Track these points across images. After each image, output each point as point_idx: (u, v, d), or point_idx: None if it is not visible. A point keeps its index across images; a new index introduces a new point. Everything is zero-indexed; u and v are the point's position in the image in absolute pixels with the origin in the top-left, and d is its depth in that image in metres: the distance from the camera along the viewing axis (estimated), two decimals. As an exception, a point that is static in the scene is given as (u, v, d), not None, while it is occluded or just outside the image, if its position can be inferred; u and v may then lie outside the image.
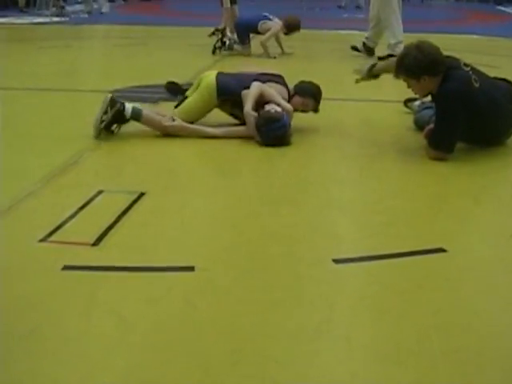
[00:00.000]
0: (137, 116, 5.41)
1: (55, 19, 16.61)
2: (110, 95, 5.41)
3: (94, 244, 3.44)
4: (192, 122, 5.56)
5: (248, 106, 5.36)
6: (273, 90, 5.56)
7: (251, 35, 10.84)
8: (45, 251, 3.39)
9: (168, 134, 5.45)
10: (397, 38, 10.05)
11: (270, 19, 10.65)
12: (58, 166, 4.69)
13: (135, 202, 4.05)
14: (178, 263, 3.28)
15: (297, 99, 5.71)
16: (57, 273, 3.13)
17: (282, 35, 10.67)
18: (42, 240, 3.47)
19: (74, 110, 6.66)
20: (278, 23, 10.54)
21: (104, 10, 18.03)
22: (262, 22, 10.62)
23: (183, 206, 4.07)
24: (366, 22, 11.08)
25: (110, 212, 3.85)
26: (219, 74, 5.64)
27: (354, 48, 10.70)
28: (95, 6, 18.10)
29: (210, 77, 5.62)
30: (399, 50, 9.94)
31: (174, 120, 5.44)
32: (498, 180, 4.66)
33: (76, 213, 3.85)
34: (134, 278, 3.15)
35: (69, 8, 18.14)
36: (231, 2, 11.24)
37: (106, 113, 5.31)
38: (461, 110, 4.84)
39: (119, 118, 5.37)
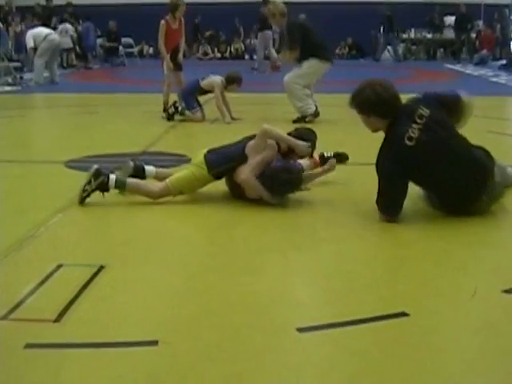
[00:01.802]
0: (121, 185, 5.49)
1: (7, 88, 16.58)
2: (95, 167, 5.50)
3: (56, 320, 3.40)
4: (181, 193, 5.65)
5: (248, 174, 5.49)
6: (275, 130, 5.68)
7: (202, 100, 10.87)
8: (6, 329, 3.34)
9: (157, 198, 5.56)
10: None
11: (208, 76, 10.72)
12: (15, 241, 4.65)
13: (95, 275, 4.02)
14: (141, 337, 3.25)
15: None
16: (19, 351, 3.09)
17: (227, 98, 10.71)
18: (2, 318, 3.42)
19: (29, 181, 6.61)
20: (218, 78, 10.58)
21: (57, 79, 18.00)
22: (201, 78, 10.68)
23: (143, 279, 4.04)
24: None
25: (71, 287, 3.81)
26: (208, 153, 5.69)
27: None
28: (45, 74, 18.08)
29: (200, 156, 5.68)
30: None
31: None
32: (458, 243, 4.70)
33: (36, 288, 3.81)
34: (98, 355, 3.11)
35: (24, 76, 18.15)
36: (176, 69, 11.23)
37: (89, 183, 5.40)
38: (393, 172, 4.96)
39: (102, 188, 5.45)
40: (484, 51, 26.59)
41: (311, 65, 10.33)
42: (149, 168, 5.94)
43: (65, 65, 24.33)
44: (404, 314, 3.49)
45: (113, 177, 5.48)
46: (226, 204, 5.63)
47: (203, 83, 10.60)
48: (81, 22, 25.38)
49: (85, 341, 3.24)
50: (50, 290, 3.83)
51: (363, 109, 5.11)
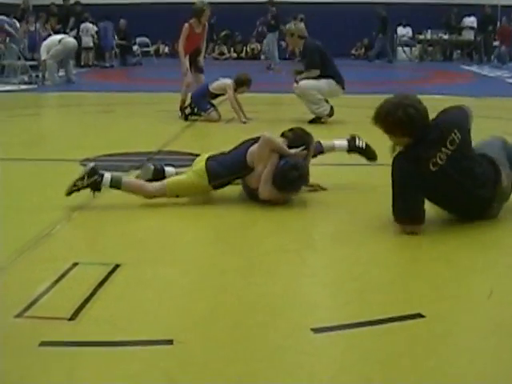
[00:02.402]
0: (117, 184, 5.45)
1: (23, 87, 16.65)
2: (91, 165, 5.46)
3: (71, 318, 3.41)
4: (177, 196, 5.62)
5: (269, 190, 5.51)
6: (276, 141, 5.64)
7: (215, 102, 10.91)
8: (21, 327, 3.35)
9: (152, 197, 5.52)
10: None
11: (217, 79, 10.78)
12: (30, 239, 4.66)
13: (110, 273, 4.03)
14: (156, 337, 3.26)
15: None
16: (34, 349, 3.10)
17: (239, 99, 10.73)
18: (17, 316, 3.43)
19: (45, 180, 6.64)
20: (229, 80, 10.62)
21: (73, 78, 18.08)
22: (210, 82, 10.75)
23: (159, 278, 4.06)
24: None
25: (86, 285, 3.82)
26: (209, 160, 5.65)
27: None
28: (61, 73, 18.15)
29: (201, 163, 5.64)
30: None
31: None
32: (471, 245, 4.68)
33: (51, 286, 3.83)
34: (113, 353, 3.12)
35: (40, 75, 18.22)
36: (197, 71, 11.27)
37: (82, 179, 5.35)
38: (411, 184, 4.78)
39: (94, 187, 5.39)
40: (503, 48, 26.46)
41: (329, 83, 10.38)
42: (168, 169, 5.94)
43: (82, 63, 24.43)
44: (419, 316, 3.48)
45: (108, 176, 5.42)
46: (240, 205, 5.64)
47: (213, 87, 10.65)
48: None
49: (99, 339, 3.25)
50: (66, 288, 3.85)
51: (393, 131, 4.83)
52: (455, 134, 4.82)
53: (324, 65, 10.36)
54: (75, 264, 4.17)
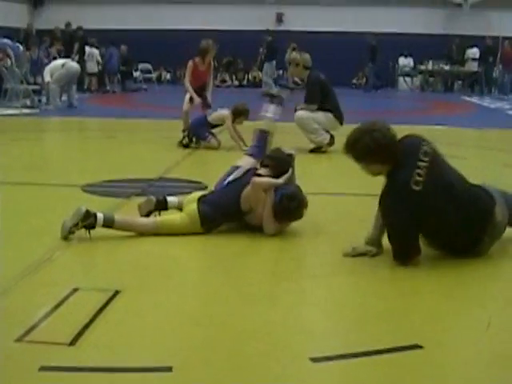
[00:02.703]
0: (109, 223, 5.36)
1: (25, 111, 16.72)
2: (84, 209, 5.28)
3: (71, 343, 3.42)
4: None
5: (274, 229, 5.55)
6: (266, 181, 5.66)
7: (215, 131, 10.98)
8: (21, 351, 3.36)
9: (144, 234, 5.45)
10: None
11: (215, 110, 10.89)
12: (31, 264, 4.68)
13: (110, 299, 4.04)
14: (155, 363, 3.27)
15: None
16: (34, 374, 3.11)
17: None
18: (17, 340, 3.44)
19: (46, 204, 6.66)
20: (227, 110, 10.72)
21: (75, 102, 18.18)
22: (208, 114, 10.86)
23: (159, 304, 4.07)
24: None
25: (86, 311, 3.83)
26: (201, 202, 5.59)
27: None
28: (63, 97, 18.25)
29: (193, 204, 5.59)
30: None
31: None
32: (470, 276, 4.70)
33: (51, 311, 3.84)
34: (112, 379, 3.13)
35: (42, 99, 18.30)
36: (204, 106, 11.31)
37: (76, 225, 5.24)
38: (405, 217, 4.72)
39: (89, 227, 5.29)
40: (506, 77, 26.72)
41: (326, 116, 10.50)
42: (171, 199, 5.90)
43: (86, 88, 24.57)
44: (417, 347, 3.49)
45: (100, 216, 5.33)
46: (240, 232, 5.64)
47: (211, 118, 10.79)
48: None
49: (99, 365, 3.26)
50: (66, 313, 3.86)
51: (363, 157, 4.85)
52: (424, 145, 4.87)
53: (324, 98, 10.47)
54: (75, 289, 4.18)
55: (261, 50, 28.84)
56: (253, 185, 5.57)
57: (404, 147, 4.86)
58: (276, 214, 5.49)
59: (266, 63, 24.33)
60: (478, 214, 4.90)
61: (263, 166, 5.83)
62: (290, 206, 5.45)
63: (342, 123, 10.56)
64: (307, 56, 10.66)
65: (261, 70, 29.53)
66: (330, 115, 10.44)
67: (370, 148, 4.75)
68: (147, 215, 5.73)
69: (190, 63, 11.16)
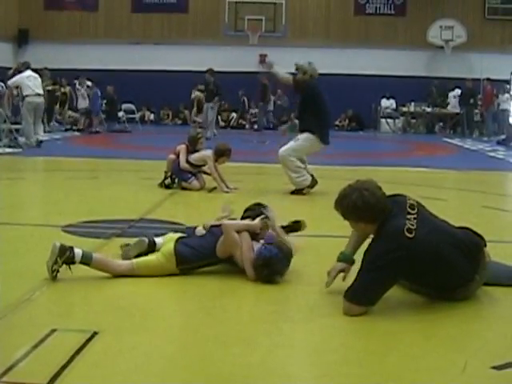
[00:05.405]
0: (87, 260, 5.38)
1: (8, 150, 16.70)
2: (58, 244, 5.31)
3: (48, 385, 3.43)
4: None
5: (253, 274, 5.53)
6: (235, 222, 5.73)
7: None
8: (-3, 393, 3.37)
9: (119, 275, 5.45)
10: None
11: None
12: (10, 304, 4.68)
13: (88, 340, 4.04)
14: (132, 405, 3.28)
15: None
16: (10, 416, 3.11)
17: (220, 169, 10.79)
18: (-6, 381, 3.45)
19: (26, 244, 6.64)
20: (209, 151, 10.78)
21: (41, 137, 18.16)
22: (190, 154, 10.88)
23: (137, 346, 4.07)
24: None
25: (64, 351, 3.83)
26: (179, 244, 5.63)
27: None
28: (36, 137, 18.17)
29: (169, 244, 5.63)
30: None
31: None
32: (448, 317, 4.73)
33: (29, 352, 3.84)
34: (88, 421, 3.14)
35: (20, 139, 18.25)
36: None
37: (56, 263, 5.26)
38: (388, 270, 4.74)
39: (69, 261, 5.30)
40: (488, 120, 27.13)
41: (308, 139, 10.53)
42: (159, 240, 5.89)
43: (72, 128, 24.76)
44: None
45: (78, 251, 5.35)
46: (219, 272, 5.66)
47: (193, 158, 10.80)
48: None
49: (76, 407, 3.26)
50: (44, 354, 3.86)
51: (350, 214, 4.96)
52: (409, 200, 5.01)
53: (314, 114, 10.51)
54: (54, 330, 4.18)
55: (239, 92, 29.27)
56: (223, 227, 5.62)
57: (392, 203, 4.97)
58: (261, 273, 5.48)
59: (207, 103, 24.12)
60: (473, 247, 5.01)
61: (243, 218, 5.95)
62: (271, 265, 5.44)
63: (327, 142, 10.68)
64: (315, 66, 10.70)
65: (244, 112, 29.84)
66: (311, 137, 10.47)
67: (356, 206, 4.85)
68: (137, 257, 5.70)
69: (183, 146, 11.00)
